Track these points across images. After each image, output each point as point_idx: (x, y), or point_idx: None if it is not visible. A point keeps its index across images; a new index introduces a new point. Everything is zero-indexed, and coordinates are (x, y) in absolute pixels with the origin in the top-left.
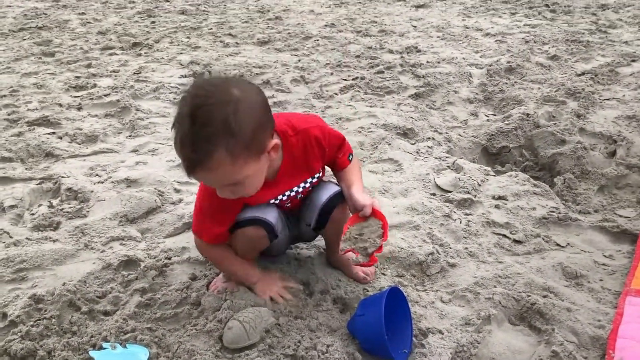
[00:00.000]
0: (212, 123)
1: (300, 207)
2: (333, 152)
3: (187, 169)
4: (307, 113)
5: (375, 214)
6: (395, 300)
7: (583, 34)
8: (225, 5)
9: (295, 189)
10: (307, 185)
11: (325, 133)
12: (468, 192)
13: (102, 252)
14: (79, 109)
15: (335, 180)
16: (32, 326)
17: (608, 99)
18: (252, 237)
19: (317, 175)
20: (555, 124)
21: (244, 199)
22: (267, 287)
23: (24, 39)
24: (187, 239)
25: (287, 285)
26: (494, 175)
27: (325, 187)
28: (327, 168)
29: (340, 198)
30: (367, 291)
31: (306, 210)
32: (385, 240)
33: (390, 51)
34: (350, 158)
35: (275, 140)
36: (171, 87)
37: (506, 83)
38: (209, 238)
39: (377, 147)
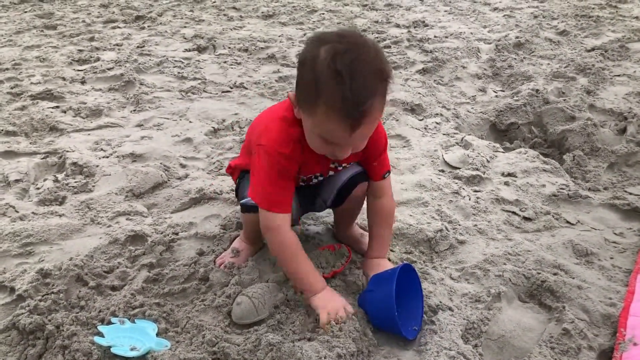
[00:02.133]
0: (370, 73)
1: (319, 183)
2: (372, 152)
3: (346, 128)
4: None
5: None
6: (407, 277)
7: (593, 8)
8: None
9: (335, 164)
10: (340, 167)
11: (378, 130)
12: (477, 169)
13: (108, 227)
14: (83, 82)
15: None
16: (40, 300)
17: (618, 75)
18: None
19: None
20: (564, 100)
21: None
22: (328, 302)
23: (25, 12)
24: (194, 214)
25: (348, 310)
26: (503, 152)
27: (348, 168)
28: None
29: (362, 177)
30: None
31: (325, 187)
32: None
33: (397, 25)
34: (385, 176)
35: None
36: (175, 61)
37: (515, 58)
38: (281, 207)
39: (384, 122)
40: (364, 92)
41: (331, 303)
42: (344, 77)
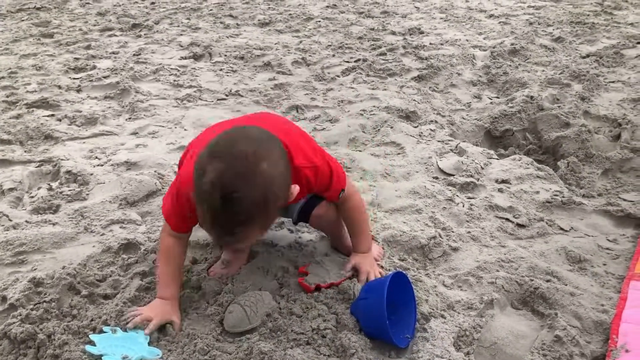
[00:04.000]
0: (245, 211)
1: None
2: (318, 190)
3: (217, 241)
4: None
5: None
6: (400, 285)
7: (588, 15)
8: None
9: None
10: None
11: (318, 175)
12: (471, 176)
13: (102, 235)
14: (78, 91)
15: None
16: (32, 310)
17: (613, 82)
18: None
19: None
20: (559, 106)
21: None
22: (149, 310)
23: (22, 20)
24: None
25: (166, 321)
26: (497, 159)
27: None
28: None
29: (317, 199)
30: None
31: (289, 208)
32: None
33: (393, 33)
34: (340, 195)
35: (296, 188)
36: (171, 69)
37: (510, 65)
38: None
39: (379, 130)
40: (233, 226)
41: (151, 310)
42: (212, 215)
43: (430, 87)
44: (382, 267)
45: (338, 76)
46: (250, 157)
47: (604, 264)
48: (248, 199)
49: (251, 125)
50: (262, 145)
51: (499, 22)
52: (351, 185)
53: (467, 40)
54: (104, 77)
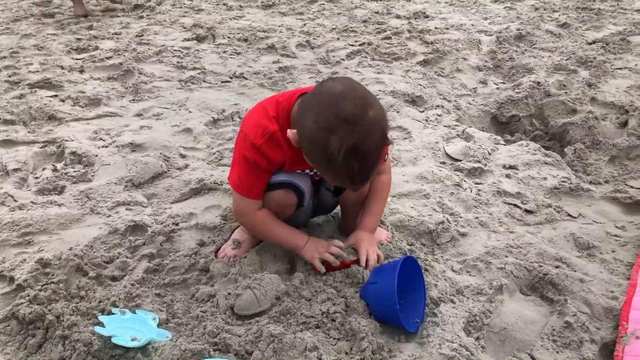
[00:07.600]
0: (375, 157)
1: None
2: None
3: (355, 190)
4: None
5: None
6: (409, 269)
7: (594, 1)
8: None
9: None
10: None
11: None
12: (478, 161)
13: (108, 216)
14: (81, 71)
15: None
16: (40, 290)
17: (620, 68)
18: (280, 201)
19: None
20: (566, 93)
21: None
22: (314, 250)
23: None
24: (194, 204)
25: (334, 244)
26: (504, 145)
27: None
28: None
29: None
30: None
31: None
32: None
33: (398, 16)
34: (384, 157)
35: None
36: (174, 50)
37: (516, 51)
38: (253, 194)
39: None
40: (371, 172)
41: (317, 249)
42: (355, 170)
43: (435, 72)
44: (388, 256)
45: (343, 59)
46: (358, 113)
47: (613, 251)
48: (376, 148)
49: (316, 86)
50: (355, 96)
51: (504, 7)
52: (390, 161)
53: (472, 25)
54: (107, 58)
